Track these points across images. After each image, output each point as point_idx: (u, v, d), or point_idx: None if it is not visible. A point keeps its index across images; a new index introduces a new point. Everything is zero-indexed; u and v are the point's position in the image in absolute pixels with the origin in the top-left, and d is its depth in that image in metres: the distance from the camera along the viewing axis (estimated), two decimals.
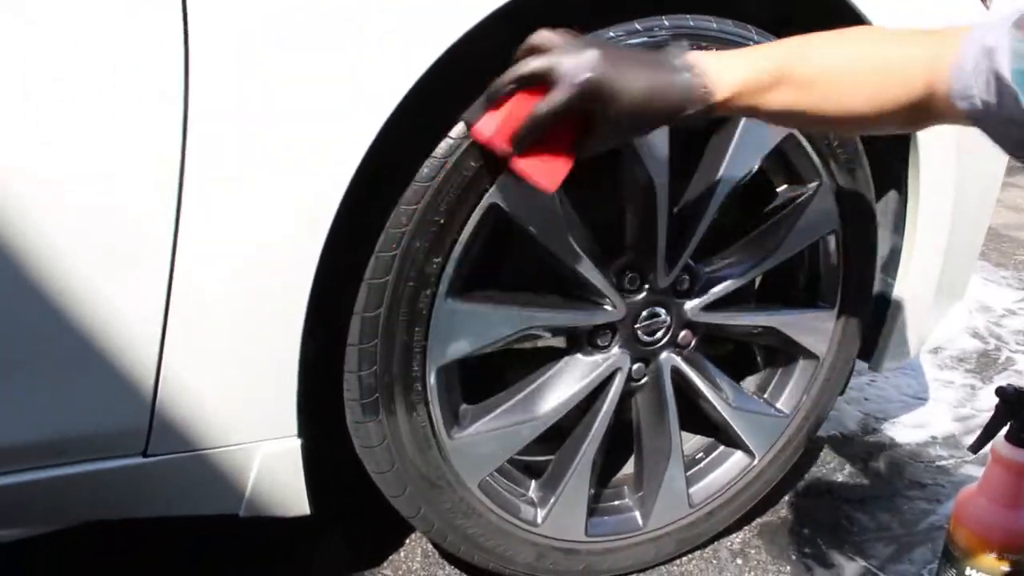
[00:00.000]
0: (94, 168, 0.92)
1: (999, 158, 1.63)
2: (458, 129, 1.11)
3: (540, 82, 0.96)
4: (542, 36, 0.99)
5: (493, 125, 0.99)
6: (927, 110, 0.95)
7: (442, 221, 1.12)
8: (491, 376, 1.42)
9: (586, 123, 1.00)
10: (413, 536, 1.55)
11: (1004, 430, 1.29)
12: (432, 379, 1.20)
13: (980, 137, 1.57)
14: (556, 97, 0.95)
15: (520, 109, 0.98)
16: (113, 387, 1.02)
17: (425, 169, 1.11)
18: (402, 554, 1.51)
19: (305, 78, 0.97)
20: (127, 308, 0.99)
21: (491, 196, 1.13)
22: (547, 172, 1.03)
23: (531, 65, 0.96)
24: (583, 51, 0.95)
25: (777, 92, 0.96)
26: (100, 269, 0.96)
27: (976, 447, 1.31)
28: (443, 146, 1.11)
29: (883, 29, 1.03)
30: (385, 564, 1.49)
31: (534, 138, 0.99)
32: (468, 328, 1.20)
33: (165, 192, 0.95)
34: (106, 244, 0.96)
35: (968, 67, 0.88)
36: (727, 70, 0.96)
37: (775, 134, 1.32)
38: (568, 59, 0.95)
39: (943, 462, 1.93)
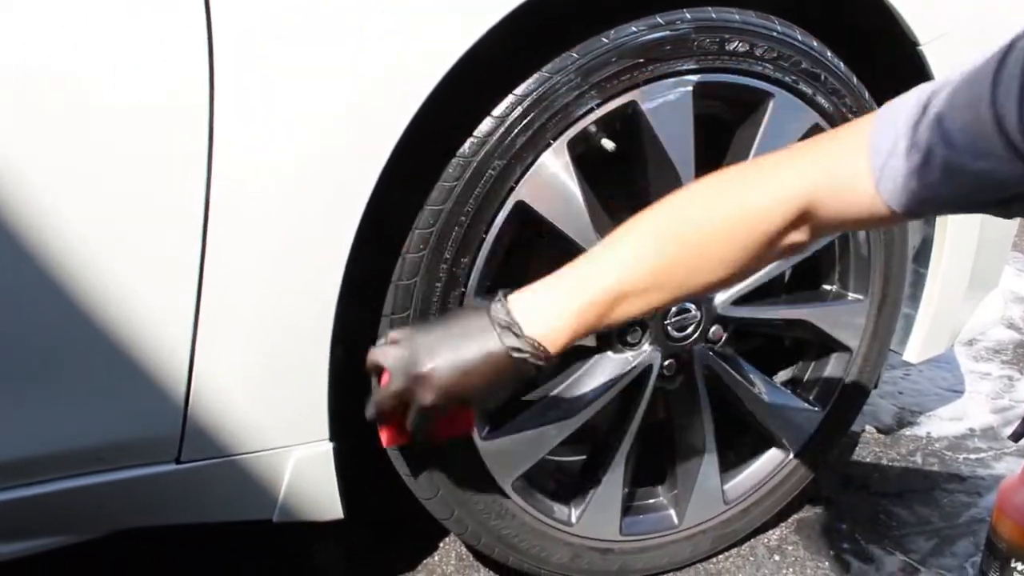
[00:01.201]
0: (121, 170, 0.93)
1: None
2: (483, 128, 1.11)
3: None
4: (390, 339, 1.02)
5: (386, 438, 1.08)
6: (806, 232, 0.90)
7: (469, 220, 1.11)
8: None
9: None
10: (447, 539, 1.54)
11: None
12: None
13: None
14: (413, 416, 1.00)
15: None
16: (145, 394, 1.03)
17: (450, 169, 1.10)
18: (436, 558, 1.51)
19: (324, 78, 0.97)
20: (158, 313, 0.99)
21: (517, 194, 1.13)
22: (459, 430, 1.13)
23: (377, 404, 1.02)
24: (415, 371, 0.96)
25: (624, 306, 0.92)
26: (129, 274, 0.97)
27: (1017, 436, 1.29)
28: (468, 145, 1.10)
29: (717, 182, 0.94)
30: (419, 568, 1.49)
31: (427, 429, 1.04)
32: None
33: (193, 193, 0.95)
34: (135, 250, 0.96)
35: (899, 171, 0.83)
36: (555, 317, 0.92)
37: (801, 126, 1.31)
38: (404, 382, 0.97)
39: (982, 454, 1.90)
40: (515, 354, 0.92)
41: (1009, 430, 1.61)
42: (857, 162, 0.85)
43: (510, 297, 0.96)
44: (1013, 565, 1.27)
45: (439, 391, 0.95)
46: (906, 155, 0.82)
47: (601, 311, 0.92)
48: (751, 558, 1.56)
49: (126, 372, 1.01)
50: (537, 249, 1.28)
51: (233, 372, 1.06)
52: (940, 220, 1.50)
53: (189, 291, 1.00)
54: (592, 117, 1.15)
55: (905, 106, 0.84)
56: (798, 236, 0.90)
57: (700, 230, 0.90)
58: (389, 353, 0.98)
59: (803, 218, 0.88)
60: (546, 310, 0.93)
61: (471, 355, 0.94)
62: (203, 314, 1.01)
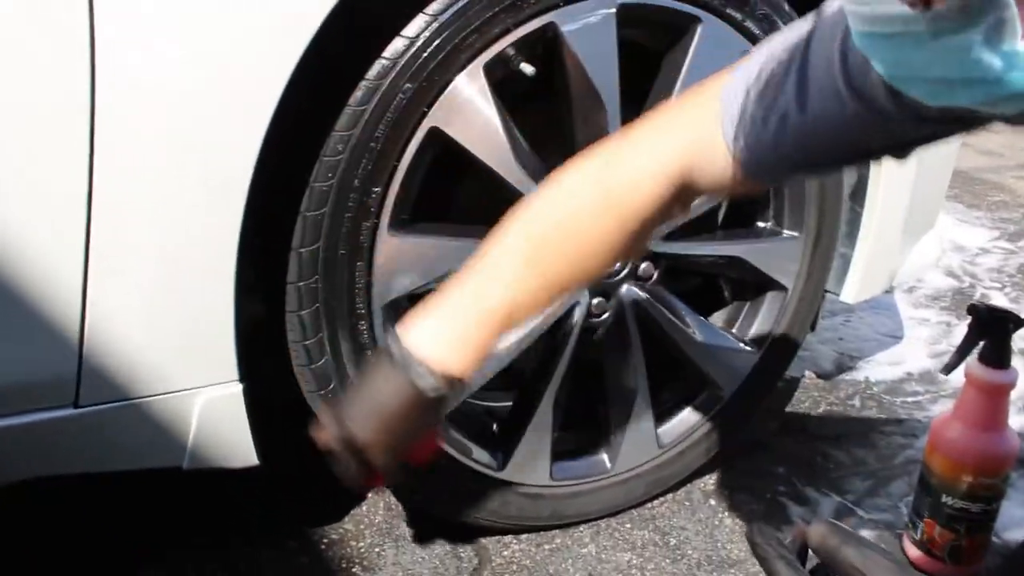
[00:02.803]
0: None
1: None
2: (392, 49, 1.05)
3: None
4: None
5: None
6: (681, 204, 0.90)
7: (379, 148, 1.06)
8: None
9: None
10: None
11: (977, 351, 1.25)
12: (379, 317, 1.14)
13: None
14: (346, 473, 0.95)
15: None
16: (33, 332, 0.97)
17: (359, 92, 1.05)
18: (364, 508, 1.46)
19: None
20: (43, 242, 0.93)
21: (430, 119, 1.07)
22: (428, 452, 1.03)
23: (348, 481, 0.95)
24: (355, 447, 0.92)
25: (523, 311, 0.90)
26: (10, 202, 0.90)
27: (949, 368, 1.27)
28: (376, 68, 1.05)
29: (578, 169, 0.91)
30: (347, 519, 1.44)
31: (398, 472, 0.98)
32: (414, 262, 1.14)
33: (78, 111, 0.89)
34: (15, 175, 0.90)
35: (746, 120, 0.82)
36: (458, 341, 0.89)
37: (730, 53, 1.26)
38: (353, 457, 0.92)
39: (919, 397, 1.90)
40: (432, 393, 0.89)
41: None
42: (715, 130, 0.84)
43: (408, 332, 0.90)
44: (943, 499, 1.25)
45: (386, 451, 0.92)
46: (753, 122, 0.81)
47: (501, 324, 0.90)
48: (687, 503, 1.54)
49: (10, 308, 0.94)
50: (461, 181, 1.24)
51: (129, 308, 1.00)
52: None
53: (77, 219, 0.93)
54: (509, 39, 1.10)
55: (748, 72, 0.83)
56: (674, 207, 0.89)
57: (568, 228, 0.88)
58: (327, 437, 0.94)
59: (675, 191, 0.86)
60: (445, 336, 0.90)
61: (395, 410, 0.90)
62: (94, 244, 0.95)
